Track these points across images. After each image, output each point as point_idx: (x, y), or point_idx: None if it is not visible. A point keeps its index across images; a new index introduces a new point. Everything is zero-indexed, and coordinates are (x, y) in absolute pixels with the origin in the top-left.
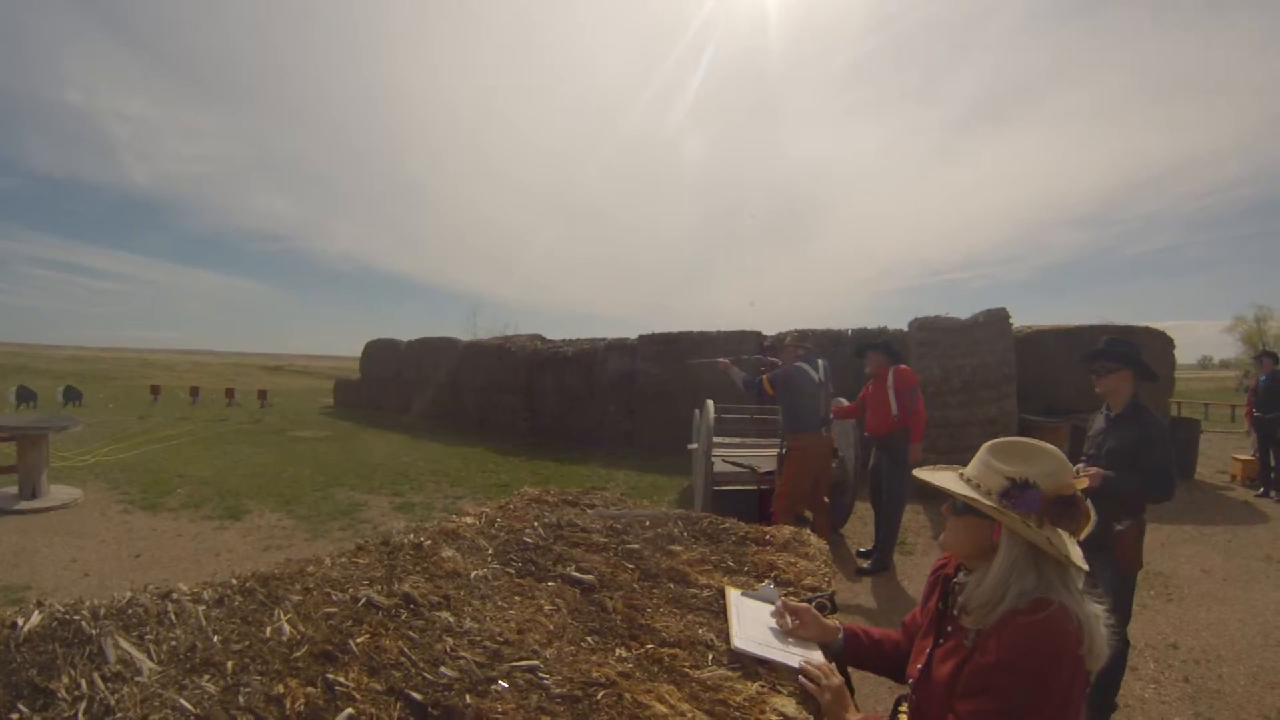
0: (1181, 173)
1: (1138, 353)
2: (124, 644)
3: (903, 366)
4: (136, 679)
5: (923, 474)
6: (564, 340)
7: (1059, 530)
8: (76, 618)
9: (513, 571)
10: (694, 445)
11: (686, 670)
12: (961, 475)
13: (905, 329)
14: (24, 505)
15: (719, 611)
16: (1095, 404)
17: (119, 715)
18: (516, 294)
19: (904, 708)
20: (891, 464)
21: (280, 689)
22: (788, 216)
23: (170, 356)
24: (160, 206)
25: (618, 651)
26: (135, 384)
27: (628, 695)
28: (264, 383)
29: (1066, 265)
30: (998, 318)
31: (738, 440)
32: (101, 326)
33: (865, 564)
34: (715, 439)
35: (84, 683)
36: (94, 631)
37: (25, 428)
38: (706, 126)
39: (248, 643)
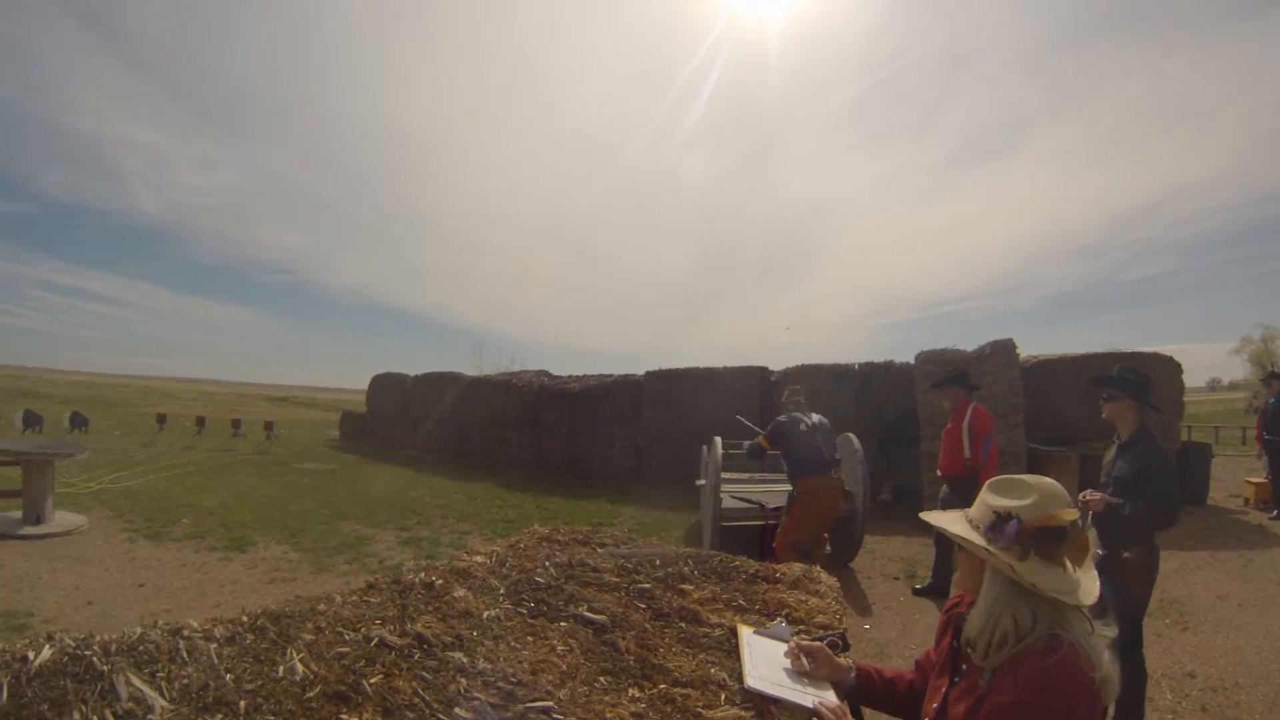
0: (1176, 199)
1: (1145, 383)
2: (135, 681)
3: (980, 407)
4: (148, 717)
5: (929, 517)
6: (570, 376)
7: (1053, 564)
8: (88, 653)
9: (525, 611)
10: (702, 481)
11: (700, 710)
12: (965, 515)
13: (912, 361)
14: (28, 531)
15: (731, 650)
16: (1105, 432)
17: None
18: (520, 330)
19: None
20: (962, 507)
21: None
22: (787, 253)
23: (175, 384)
24: (168, 235)
25: (631, 692)
26: (140, 411)
27: None
28: (269, 414)
29: (1067, 295)
30: (1004, 348)
31: (745, 476)
32: (107, 352)
33: (920, 585)
34: (723, 475)
35: (95, 719)
36: (105, 668)
37: (31, 453)
38: (705, 164)
39: (260, 682)
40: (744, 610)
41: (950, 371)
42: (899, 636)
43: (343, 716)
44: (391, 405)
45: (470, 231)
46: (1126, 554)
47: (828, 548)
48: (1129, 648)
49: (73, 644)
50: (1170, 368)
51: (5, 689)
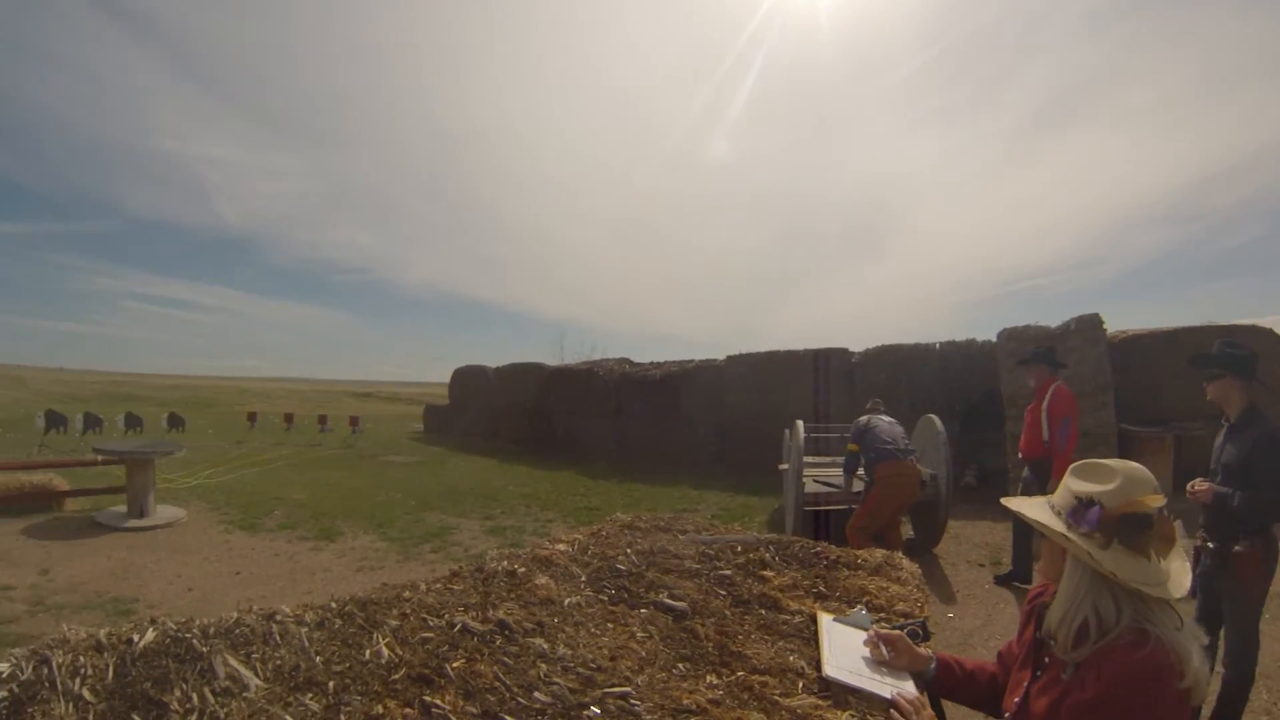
0: (1264, 160)
1: (1249, 357)
2: (232, 661)
3: (1063, 387)
4: (244, 695)
5: (1010, 503)
6: (651, 363)
7: (1137, 554)
8: (188, 635)
9: (605, 598)
10: (784, 465)
11: (776, 698)
12: (1049, 500)
13: (994, 339)
14: (133, 523)
15: (810, 638)
16: (1201, 413)
17: None
18: (600, 319)
19: None
20: (1040, 491)
21: (379, 709)
22: (861, 232)
23: (265, 384)
24: (248, 242)
25: (708, 678)
26: (233, 411)
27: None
28: (354, 409)
29: (1154, 264)
30: (1090, 324)
31: (828, 460)
32: (197, 356)
33: (1001, 574)
34: (806, 459)
35: (195, 697)
36: (204, 649)
37: (134, 452)
38: (773, 147)
39: (348, 664)
40: (824, 597)
41: (1035, 348)
42: (982, 626)
43: (425, 698)
44: (474, 397)
45: (544, 224)
46: (1238, 547)
47: (911, 533)
48: (1239, 651)
49: (174, 627)
50: (1271, 341)
51: (111, 669)
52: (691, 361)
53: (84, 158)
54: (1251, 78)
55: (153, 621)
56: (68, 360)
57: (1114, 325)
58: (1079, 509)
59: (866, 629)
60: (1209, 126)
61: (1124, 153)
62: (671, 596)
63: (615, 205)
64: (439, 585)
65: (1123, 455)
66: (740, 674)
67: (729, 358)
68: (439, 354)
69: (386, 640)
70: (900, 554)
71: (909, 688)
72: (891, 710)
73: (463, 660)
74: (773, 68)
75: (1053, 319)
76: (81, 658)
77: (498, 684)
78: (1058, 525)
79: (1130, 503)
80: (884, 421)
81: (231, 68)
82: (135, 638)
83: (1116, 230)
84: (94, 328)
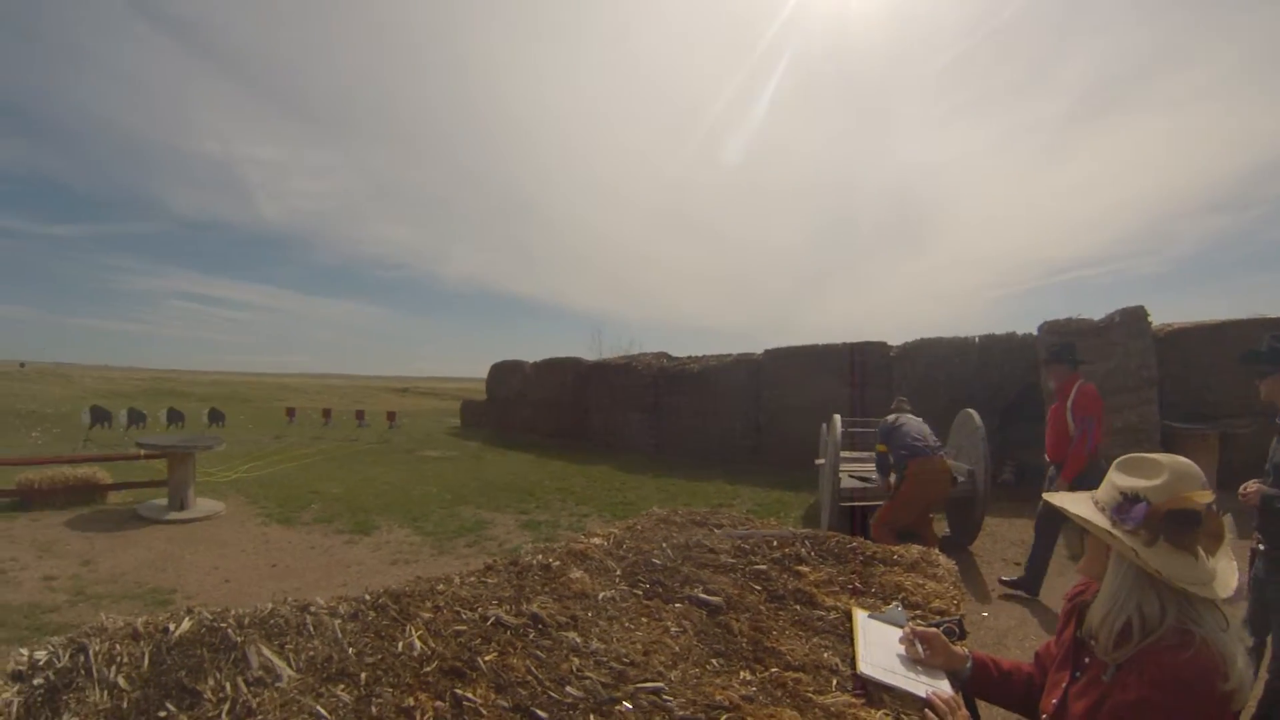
0: None
1: None
2: (265, 651)
3: (1088, 386)
4: (277, 685)
5: (1053, 498)
6: (689, 357)
7: (1183, 550)
8: (223, 625)
9: (640, 593)
10: (821, 460)
11: (810, 695)
12: (1092, 496)
13: (1035, 332)
14: (173, 516)
15: (845, 635)
16: (1249, 409)
17: (260, 718)
18: (639, 311)
19: None
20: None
21: (411, 702)
22: (901, 223)
23: (302, 380)
24: (289, 241)
25: (742, 674)
26: (271, 406)
27: (756, 717)
28: (392, 404)
29: (1202, 255)
30: (1134, 316)
31: (866, 455)
32: (239, 352)
33: (1009, 577)
34: (843, 454)
35: (228, 686)
36: (239, 639)
37: (174, 446)
38: (810, 139)
39: (380, 656)
40: (859, 593)
41: (1054, 347)
42: (1017, 626)
43: (457, 690)
44: (511, 392)
45: (583, 217)
46: None
47: (946, 530)
48: None
49: (210, 617)
50: None
51: (147, 657)
52: (729, 355)
53: (130, 161)
54: None
55: (188, 611)
56: (113, 358)
57: (1159, 318)
58: (1124, 505)
59: (902, 626)
60: (1258, 114)
61: (1170, 141)
62: (706, 591)
63: (652, 196)
64: (473, 579)
65: (1166, 452)
66: (774, 670)
67: (766, 352)
68: (477, 348)
69: (419, 633)
70: (936, 551)
71: (944, 687)
72: (926, 710)
73: (495, 654)
74: (807, 57)
75: (1096, 311)
76: (118, 646)
77: (529, 677)
78: (1102, 521)
79: (1177, 499)
80: (912, 420)
81: (272, 69)
82: (171, 627)
83: (1162, 221)
84: (139, 326)
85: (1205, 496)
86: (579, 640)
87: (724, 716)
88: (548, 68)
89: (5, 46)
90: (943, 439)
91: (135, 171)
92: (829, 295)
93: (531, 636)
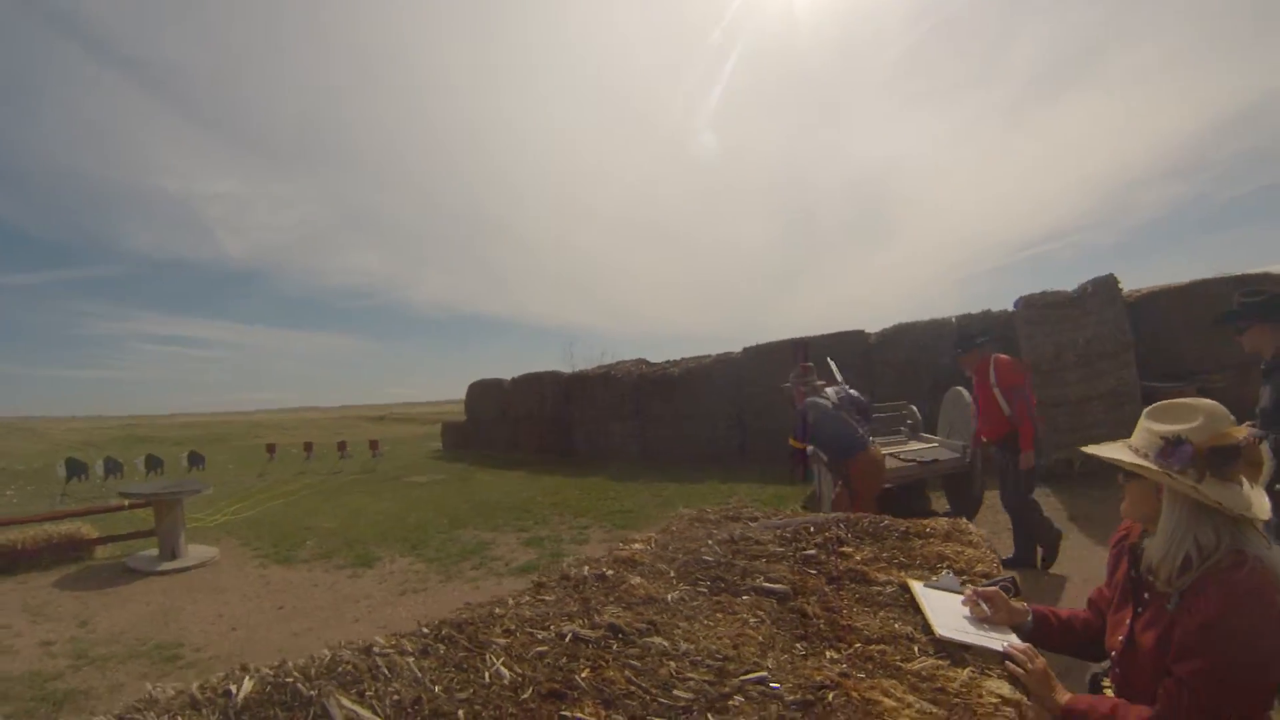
0: (1263, 111)
1: (1273, 300)
2: (347, 702)
3: (1002, 357)
4: None
5: (1090, 450)
6: (668, 361)
7: (1230, 481)
8: (289, 680)
9: (705, 590)
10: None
11: (899, 664)
12: (1128, 444)
13: (1011, 308)
14: (166, 566)
15: (905, 606)
16: (1223, 364)
17: None
18: (610, 323)
19: (1106, 683)
20: (1014, 468)
21: None
22: (865, 215)
23: (277, 416)
24: (254, 275)
25: (828, 654)
26: (250, 444)
27: (854, 694)
28: (370, 433)
29: (1160, 220)
30: (1106, 285)
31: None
32: (210, 392)
33: (1007, 556)
34: None
35: None
36: (312, 692)
37: (160, 494)
38: (766, 138)
39: (471, 689)
40: (906, 566)
41: (955, 342)
42: (1029, 589)
43: (565, 713)
44: (491, 411)
45: (549, 231)
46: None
47: (947, 506)
48: None
49: (269, 672)
50: None
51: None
52: (708, 356)
53: (86, 203)
54: (1255, 29)
55: (244, 668)
56: (81, 407)
57: (1127, 285)
58: (1167, 448)
59: (957, 591)
60: (1208, 81)
61: (1123, 115)
62: (768, 580)
63: (617, 206)
64: (528, 599)
65: None
66: (857, 646)
67: (746, 349)
68: (451, 371)
69: (502, 660)
70: (964, 520)
71: (1014, 640)
72: (1007, 662)
73: (588, 669)
74: (754, 56)
75: (1062, 283)
76: (180, 719)
77: (633, 688)
78: (1151, 465)
79: (1217, 435)
80: (829, 402)
81: (225, 104)
82: (233, 689)
83: (1119, 191)
84: (104, 372)
85: (1241, 431)
86: (666, 644)
87: (830, 695)
88: (504, 84)
89: None
90: (932, 421)
91: (92, 214)
92: (800, 292)
93: (615, 647)
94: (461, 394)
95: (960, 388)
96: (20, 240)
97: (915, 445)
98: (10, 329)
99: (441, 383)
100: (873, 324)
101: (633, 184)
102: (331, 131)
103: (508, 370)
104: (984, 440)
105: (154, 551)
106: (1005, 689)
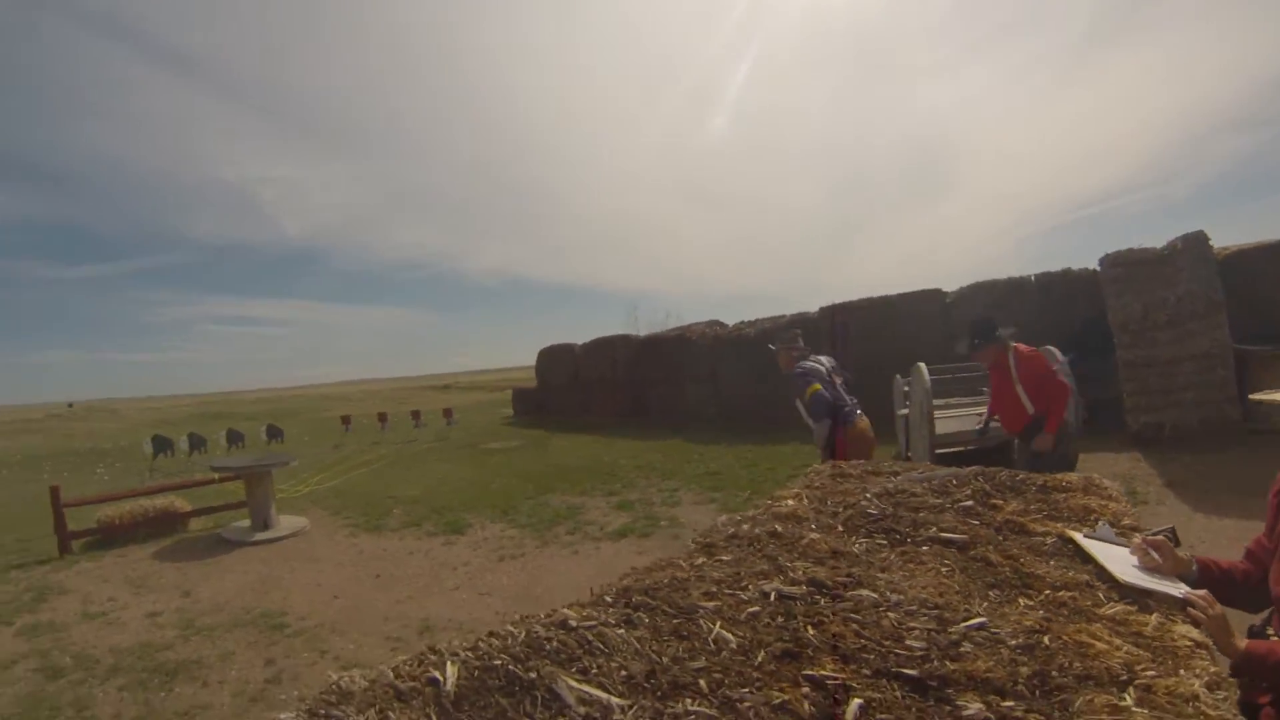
0: None
1: None
2: (574, 683)
3: (1022, 347)
4: (613, 718)
5: (1259, 396)
6: (743, 322)
7: None
8: (497, 661)
9: (885, 542)
10: (904, 410)
11: (1092, 610)
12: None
13: (1093, 267)
14: (259, 537)
15: (1071, 555)
16: None
17: None
18: (669, 287)
19: (1270, 632)
20: (1042, 459)
21: (777, 696)
22: (920, 171)
23: (342, 389)
24: (312, 254)
25: (1021, 601)
26: (320, 417)
27: (1065, 637)
28: (436, 402)
29: (1234, 173)
30: (1197, 242)
31: (940, 402)
32: (276, 368)
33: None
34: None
35: None
36: (532, 675)
37: (250, 466)
38: (821, 95)
39: (702, 658)
40: (1056, 518)
41: (971, 329)
42: None
43: (809, 672)
44: (562, 376)
45: (602, 197)
46: None
47: None
48: None
49: (469, 654)
50: None
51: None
52: (783, 316)
53: (148, 198)
54: None
55: (433, 650)
56: (153, 389)
57: (1218, 240)
58: None
59: (1114, 542)
60: None
61: (1189, 58)
62: (941, 530)
63: (671, 172)
64: (700, 560)
65: (1240, 375)
66: (1046, 593)
67: (822, 309)
68: (510, 338)
69: (719, 623)
70: (1097, 475)
71: (1184, 588)
72: (1188, 608)
73: (810, 626)
74: (813, 13)
75: (1134, 240)
76: (391, 714)
77: (863, 641)
78: None
79: None
80: (821, 368)
81: (271, 90)
82: (438, 676)
83: (1190, 141)
84: (175, 354)
85: None
86: (875, 595)
87: (1045, 639)
88: (549, 58)
89: (9, 105)
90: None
91: (155, 207)
92: (855, 251)
93: (823, 603)
94: (524, 360)
95: (1052, 347)
96: (90, 237)
97: None
98: (87, 319)
99: (502, 350)
100: (953, 281)
101: (686, 151)
102: (377, 110)
103: (567, 335)
104: (1007, 433)
105: (246, 523)
106: (1194, 633)
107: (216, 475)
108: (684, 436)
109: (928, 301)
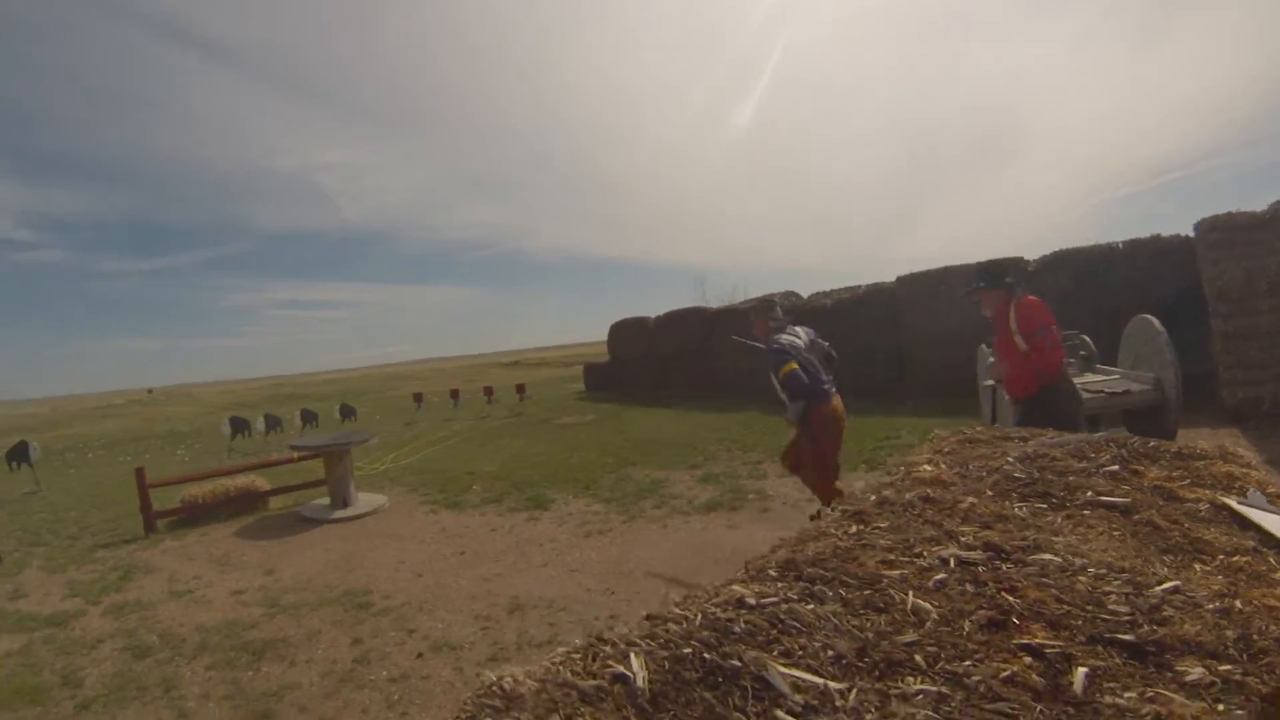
0: None
1: None
2: (784, 669)
3: (1026, 298)
4: (834, 706)
5: None
6: (819, 292)
7: None
8: (688, 650)
9: (1044, 506)
10: (989, 382)
11: (1270, 575)
12: None
13: (1184, 234)
14: (339, 514)
15: (1225, 521)
16: None
17: None
18: (732, 261)
19: None
20: (1051, 417)
21: (1003, 669)
22: (986, 138)
23: (409, 367)
24: (373, 237)
25: (1196, 567)
26: (389, 395)
27: (1256, 601)
28: (505, 378)
29: None
30: None
31: None
32: (342, 350)
33: None
34: None
35: None
36: (734, 662)
37: (329, 445)
38: (883, 64)
39: (910, 631)
40: (1200, 485)
41: (980, 270)
42: None
43: (1023, 641)
44: (635, 350)
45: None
46: None
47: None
48: None
49: (649, 643)
50: None
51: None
52: (860, 287)
53: (212, 190)
54: None
55: (602, 640)
56: (224, 372)
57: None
58: None
59: (1265, 509)
60: None
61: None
62: (1097, 494)
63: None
64: (855, 528)
65: None
66: (1220, 558)
67: (899, 279)
68: (575, 314)
69: (912, 594)
70: (1228, 445)
71: None
72: None
73: (1005, 593)
74: None
75: (1213, 209)
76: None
77: (1066, 607)
78: None
79: None
80: (800, 340)
81: (323, 77)
82: (623, 670)
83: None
84: (243, 340)
85: None
86: (1058, 559)
87: (1236, 603)
88: (601, 38)
89: (68, 111)
90: (1109, 353)
91: (220, 199)
92: (925, 222)
93: (1004, 568)
94: (592, 335)
95: (1150, 316)
96: (158, 230)
97: (1093, 377)
98: (160, 309)
99: (568, 326)
100: (1034, 249)
101: (740, 127)
102: (431, 93)
103: (634, 310)
104: (1011, 397)
105: (325, 501)
106: None
107: (296, 454)
108: (760, 409)
109: (1010, 270)
